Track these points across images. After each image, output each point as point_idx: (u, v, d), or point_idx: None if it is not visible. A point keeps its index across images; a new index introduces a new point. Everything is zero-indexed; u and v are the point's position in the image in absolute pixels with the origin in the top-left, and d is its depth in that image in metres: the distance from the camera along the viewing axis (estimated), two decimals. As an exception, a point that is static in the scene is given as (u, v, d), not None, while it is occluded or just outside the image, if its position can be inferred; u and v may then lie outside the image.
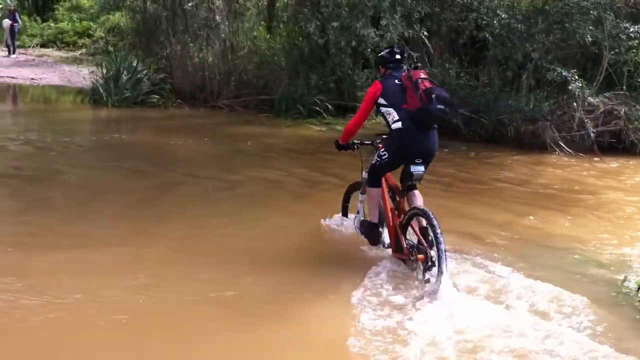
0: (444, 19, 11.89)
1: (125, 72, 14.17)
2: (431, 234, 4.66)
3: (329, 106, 13.08)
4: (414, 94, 4.80)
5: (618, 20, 10.70)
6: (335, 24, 11.77)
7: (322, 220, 6.08)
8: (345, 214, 5.98)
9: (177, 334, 4.02)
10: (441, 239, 4.53)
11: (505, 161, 9.86)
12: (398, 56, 5.17)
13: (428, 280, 4.63)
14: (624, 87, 11.12)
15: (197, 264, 5.16)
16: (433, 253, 4.62)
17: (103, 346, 3.86)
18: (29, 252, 5.19)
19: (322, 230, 5.99)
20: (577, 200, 7.66)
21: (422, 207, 4.85)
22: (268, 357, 3.89)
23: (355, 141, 5.45)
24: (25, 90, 17.05)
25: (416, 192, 5.05)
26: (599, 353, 3.81)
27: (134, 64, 14.50)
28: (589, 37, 10.48)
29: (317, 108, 13.08)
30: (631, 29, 10.44)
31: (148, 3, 15.74)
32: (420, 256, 4.73)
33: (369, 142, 5.44)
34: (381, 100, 4.99)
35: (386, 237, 5.29)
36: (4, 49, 22.04)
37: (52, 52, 22.91)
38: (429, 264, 4.65)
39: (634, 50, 11.10)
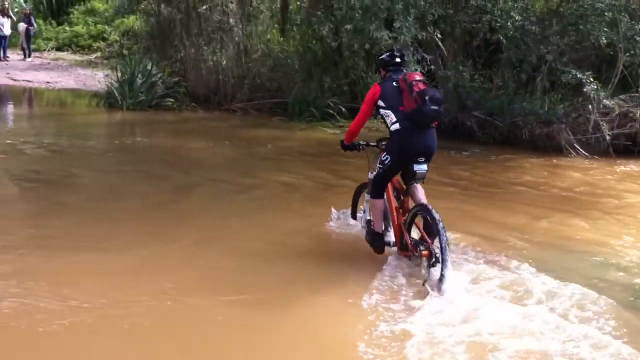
0: (457, 21, 11.87)
1: (139, 75, 14.29)
2: (434, 228, 4.78)
3: (343, 109, 13.09)
4: (409, 96, 4.94)
5: (633, 22, 10.65)
6: (348, 26, 11.78)
7: (332, 209, 6.35)
8: (354, 216, 6.12)
9: (199, 336, 4.05)
10: (443, 233, 4.68)
11: (522, 164, 9.84)
12: (398, 59, 5.31)
13: (435, 277, 4.73)
14: (640, 89, 11.08)
15: (216, 267, 5.21)
16: (437, 249, 4.75)
17: (127, 349, 3.90)
18: (49, 256, 5.24)
19: (329, 230, 6.13)
20: (596, 203, 7.63)
21: (424, 204, 5.00)
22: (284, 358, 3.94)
23: (361, 142, 5.59)
24: (41, 93, 17.22)
25: (418, 185, 5.19)
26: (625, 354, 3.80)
27: (149, 67, 14.63)
28: (603, 39, 10.42)
29: (331, 111, 13.12)
30: (646, 31, 10.40)
31: (162, 6, 15.81)
32: (425, 252, 4.89)
33: (374, 143, 5.58)
34: (380, 103, 5.14)
35: (391, 236, 5.41)
36: (19, 52, 22.24)
37: (67, 56, 23.11)
38: (433, 259, 4.79)
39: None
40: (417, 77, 5.04)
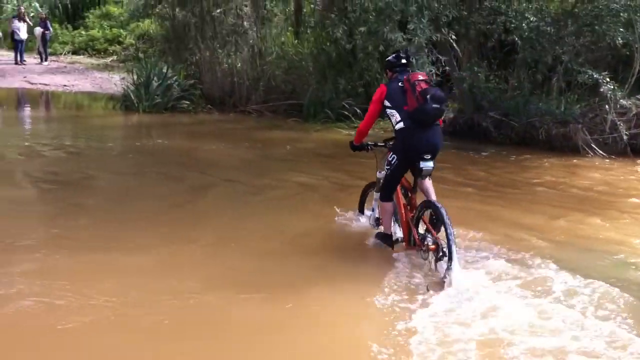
0: (472, 23, 11.84)
1: (155, 78, 14.40)
2: (440, 223, 4.93)
3: (357, 110, 13.08)
4: (412, 95, 5.09)
5: (649, 23, 10.57)
6: (362, 28, 11.78)
7: (336, 208, 6.45)
8: (361, 211, 6.32)
9: (218, 334, 4.10)
10: (450, 227, 4.79)
11: (541, 164, 9.80)
12: (404, 60, 5.49)
13: (442, 271, 4.85)
14: (657, 90, 10.99)
15: (233, 267, 5.25)
16: (444, 243, 4.86)
17: (147, 347, 3.94)
18: (70, 255, 5.31)
19: (341, 230, 6.22)
20: (616, 202, 7.59)
21: (431, 200, 5.15)
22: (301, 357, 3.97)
23: (369, 142, 5.73)
24: (58, 97, 17.38)
25: (427, 182, 5.32)
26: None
27: (164, 70, 14.73)
28: (619, 39, 10.35)
29: (346, 112, 13.14)
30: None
31: (177, 10, 15.93)
32: (432, 246, 5.00)
33: (382, 143, 5.71)
34: (386, 103, 5.30)
35: (399, 232, 5.55)
36: (36, 56, 22.47)
37: (84, 59, 23.33)
38: (440, 254, 4.91)
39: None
40: (420, 77, 5.20)
